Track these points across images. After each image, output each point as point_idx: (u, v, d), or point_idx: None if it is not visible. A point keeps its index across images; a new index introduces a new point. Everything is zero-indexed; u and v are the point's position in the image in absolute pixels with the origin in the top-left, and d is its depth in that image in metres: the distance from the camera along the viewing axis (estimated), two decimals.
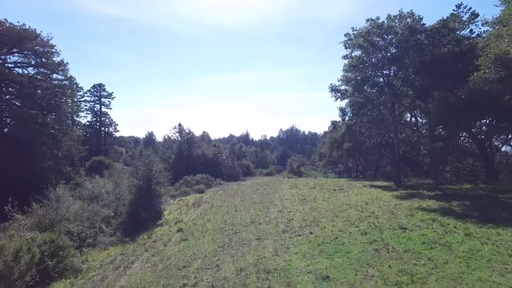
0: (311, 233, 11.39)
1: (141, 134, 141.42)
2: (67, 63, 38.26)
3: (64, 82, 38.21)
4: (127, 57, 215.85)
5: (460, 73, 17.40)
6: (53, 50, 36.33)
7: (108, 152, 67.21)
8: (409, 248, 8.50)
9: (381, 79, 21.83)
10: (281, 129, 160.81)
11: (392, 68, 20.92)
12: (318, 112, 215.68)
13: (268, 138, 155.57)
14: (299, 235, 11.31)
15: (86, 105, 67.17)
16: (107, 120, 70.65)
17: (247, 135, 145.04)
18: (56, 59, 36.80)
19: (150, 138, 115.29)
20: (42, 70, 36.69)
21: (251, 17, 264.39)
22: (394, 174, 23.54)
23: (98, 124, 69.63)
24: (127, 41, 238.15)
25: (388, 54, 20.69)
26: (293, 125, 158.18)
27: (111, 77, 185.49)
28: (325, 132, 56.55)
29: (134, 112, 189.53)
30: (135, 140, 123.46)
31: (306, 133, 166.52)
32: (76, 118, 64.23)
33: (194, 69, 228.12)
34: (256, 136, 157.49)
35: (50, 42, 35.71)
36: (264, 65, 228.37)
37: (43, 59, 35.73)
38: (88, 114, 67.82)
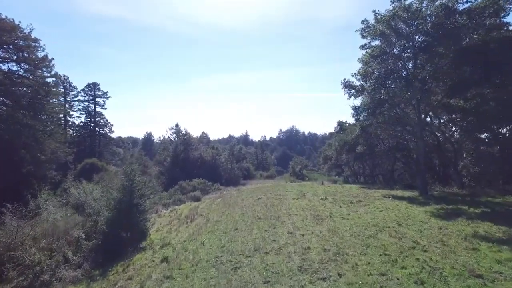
0: (339, 275, 8.28)
1: (140, 134, 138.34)
2: (52, 59, 35.17)
3: (48, 79, 35.23)
4: (127, 57, 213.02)
5: None
6: (36, 44, 33.29)
7: (103, 154, 64.19)
8: None
9: (403, 73, 18.72)
10: (280, 130, 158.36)
11: (419, 59, 17.72)
12: (318, 112, 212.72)
13: (267, 138, 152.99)
14: (324, 279, 8.19)
15: (79, 105, 63.88)
16: (101, 121, 67.28)
17: (246, 135, 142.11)
18: (40, 54, 33.90)
19: (148, 138, 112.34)
20: (24, 66, 33.69)
21: (251, 17, 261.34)
22: (418, 182, 20.44)
23: (92, 124, 66.30)
24: (127, 41, 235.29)
25: (415, 43, 17.54)
26: (292, 126, 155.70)
27: (111, 77, 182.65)
28: (331, 134, 53.43)
29: (134, 112, 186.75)
30: (133, 141, 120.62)
31: (306, 133, 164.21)
32: (69, 119, 61.21)
33: (194, 69, 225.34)
34: (255, 136, 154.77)
35: (34, 36, 32.78)
36: (264, 65, 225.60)
37: (25, 54, 32.73)
38: (82, 114, 64.59)
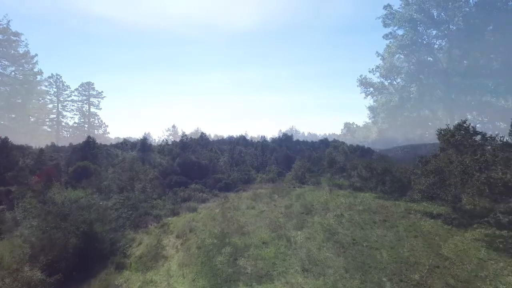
0: None
1: (139, 135, 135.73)
2: (36, 55, 33.10)
3: (30, 77, 32.42)
4: (127, 57, 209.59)
5: None
6: (16, 39, 30.81)
7: (98, 156, 61.14)
8: None
9: (436, 67, 15.79)
10: (280, 130, 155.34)
11: (457, 49, 14.70)
12: (317, 112, 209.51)
13: (267, 139, 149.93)
14: None
15: (73, 105, 60.79)
16: (96, 121, 64.02)
17: (246, 136, 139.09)
18: (22, 49, 31.17)
19: (147, 139, 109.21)
20: (4, 62, 30.90)
21: (251, 17, 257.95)
22: (449, 195, 17.50)
23: (86, 125, 63.23)
24: (126, 41, 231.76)
25: (452, 30, 14.64)
26: (292, 126, 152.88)
27: (111, 77, 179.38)
28: (336, 135, 50.56)
29: (134, 113, 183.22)
30: (132, 142, 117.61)
31: (306, 134, 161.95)
32: (62, 119, 58.31)
33: (194, 69, 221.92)
34: (255, 137, 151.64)
35: (14, 30, 30.01)
36: (265, 65, 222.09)
37: (3, 49, 29.96)
38: (76, 115, 61.50)
